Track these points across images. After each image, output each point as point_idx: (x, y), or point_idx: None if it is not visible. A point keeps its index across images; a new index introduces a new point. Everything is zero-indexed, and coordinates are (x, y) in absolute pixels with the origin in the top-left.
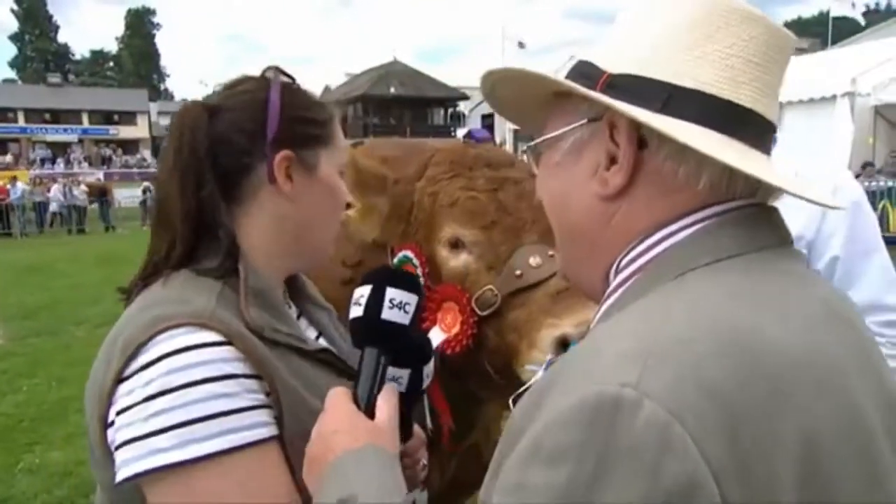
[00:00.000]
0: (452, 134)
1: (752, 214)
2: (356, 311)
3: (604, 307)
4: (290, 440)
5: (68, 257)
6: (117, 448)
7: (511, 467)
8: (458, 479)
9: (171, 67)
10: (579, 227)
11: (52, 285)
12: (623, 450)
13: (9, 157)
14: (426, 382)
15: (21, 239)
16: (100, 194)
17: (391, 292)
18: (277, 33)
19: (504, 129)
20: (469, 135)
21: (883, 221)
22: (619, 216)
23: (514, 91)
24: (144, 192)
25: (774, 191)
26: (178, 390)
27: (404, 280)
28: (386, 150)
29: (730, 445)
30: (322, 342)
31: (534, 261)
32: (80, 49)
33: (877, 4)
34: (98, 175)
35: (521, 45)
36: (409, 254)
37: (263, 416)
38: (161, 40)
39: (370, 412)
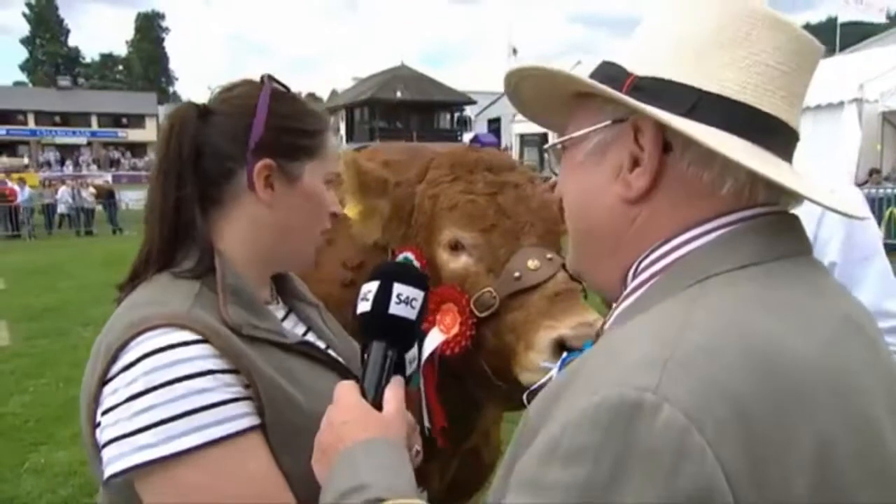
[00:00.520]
0: (459, 138)
1: (774, 222)
2: (364, 306)
3: (621, 307)
4: (272, 429)
5: (76, 259)
6: (104, 446)
7: (527, 465)
8: (457, 482)
9: (179, 71)
10: (600, 228)
11: (59, 286)
12: (641, 452)
13: (25, 160)
14: (409, 369)
15: (29, 241)
16: (107, 196)
17: (398, 287)
18: (285, 37)
19: (510, 134)
20: (475, 139)
21: (890, 228)
22: (641, 219)
23: (536, 89)
24: None
25: (795, 199)
26: (159, 388)
27: (411, 276)
28: (388, 154)
29: (746, 452)
30: (308, 336)
31: (532, 263)
32: (90, 52)
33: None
34: (106, 177)
35: (514, 51)
36: (410, 256)
37: (243, 407)
38: (170, 44)
39: (378, 404)
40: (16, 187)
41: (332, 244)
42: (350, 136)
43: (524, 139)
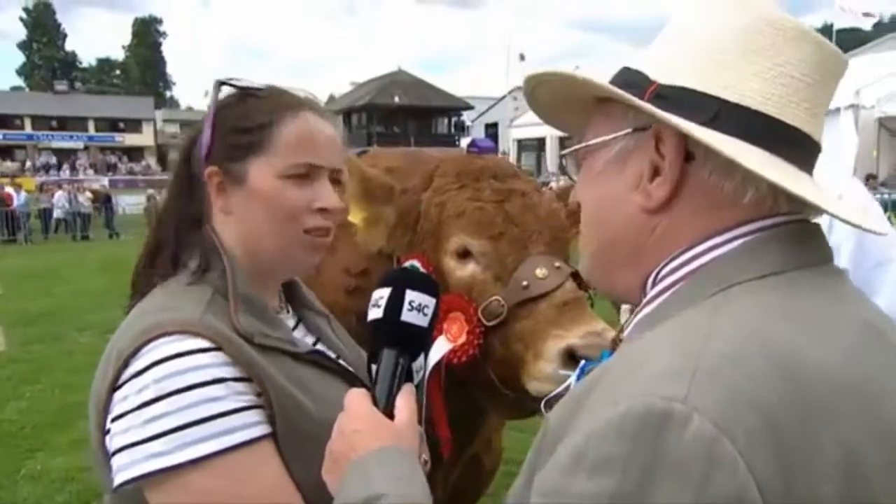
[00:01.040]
0: (456, 143)
1: (795, 231)
2: (375, 313)
3: (641, 314)
4: (284, 437)
5: (72, 263)
6: (114, 453)
7: (550, 475)
8: (458, 489)
9: (176, 76)
10: (620, 237)
11: (55, 291)
12: (670, 463)
13: (27, 164)
14: (416, 378)
15: (26, 245)
16: (104, 201)
17: (411, 294)
18: (283, 42)
19: (507, 139)
20: (473, 144)
21: None
22: (662, 228)
23: (553, 94)
24: (149, 199)
25: (816, 209)
26: (171, 396)
27: (422, 282)
28: (389, 161)
29: (775, 462)
30: (319, 346)
31: (540, 272)
32: (87, 57)
33: (881, 16)
34: (103, 182)
35: (521, 56)
36: (416, 263)
37: (255, 416)
38: (167, 49)
39: (389, 413)
40: (12, 192)
41: (335, 251)
42: (346, 140)
43: (521, 144)
